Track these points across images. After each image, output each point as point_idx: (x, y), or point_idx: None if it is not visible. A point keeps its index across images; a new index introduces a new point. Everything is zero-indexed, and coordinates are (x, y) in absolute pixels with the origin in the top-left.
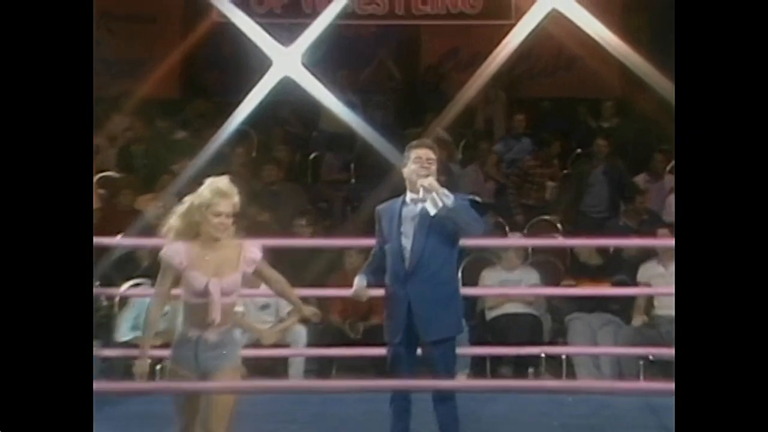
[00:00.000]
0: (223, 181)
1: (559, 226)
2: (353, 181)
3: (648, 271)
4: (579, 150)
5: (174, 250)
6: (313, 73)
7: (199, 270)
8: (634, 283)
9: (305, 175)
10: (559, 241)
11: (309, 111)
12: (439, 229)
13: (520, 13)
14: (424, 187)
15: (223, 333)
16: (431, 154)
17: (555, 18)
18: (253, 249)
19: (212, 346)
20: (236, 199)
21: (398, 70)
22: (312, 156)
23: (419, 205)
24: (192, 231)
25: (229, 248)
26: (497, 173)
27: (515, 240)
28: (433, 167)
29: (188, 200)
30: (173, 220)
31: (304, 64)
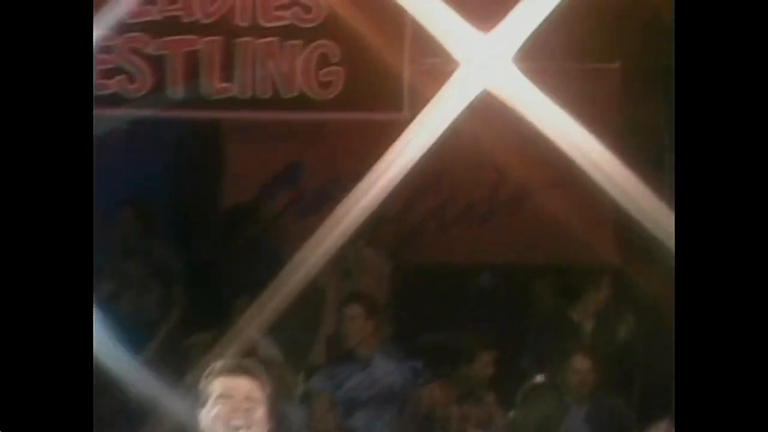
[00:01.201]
0: None
1: None
2: None
3: None
4: (538, 375)
5: None
6: None
7: None
8: None
9: None
10: None
11: None
12: None
13: (420, 101)
14: None
15: None
16: (254, 388)
17: (488, 109)
18: None
19: None
20: None
21: (177, 212)
22: None
23: None
24: None
25: None
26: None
27: None
28: (258, 413)
29: None
30: None
31: None
